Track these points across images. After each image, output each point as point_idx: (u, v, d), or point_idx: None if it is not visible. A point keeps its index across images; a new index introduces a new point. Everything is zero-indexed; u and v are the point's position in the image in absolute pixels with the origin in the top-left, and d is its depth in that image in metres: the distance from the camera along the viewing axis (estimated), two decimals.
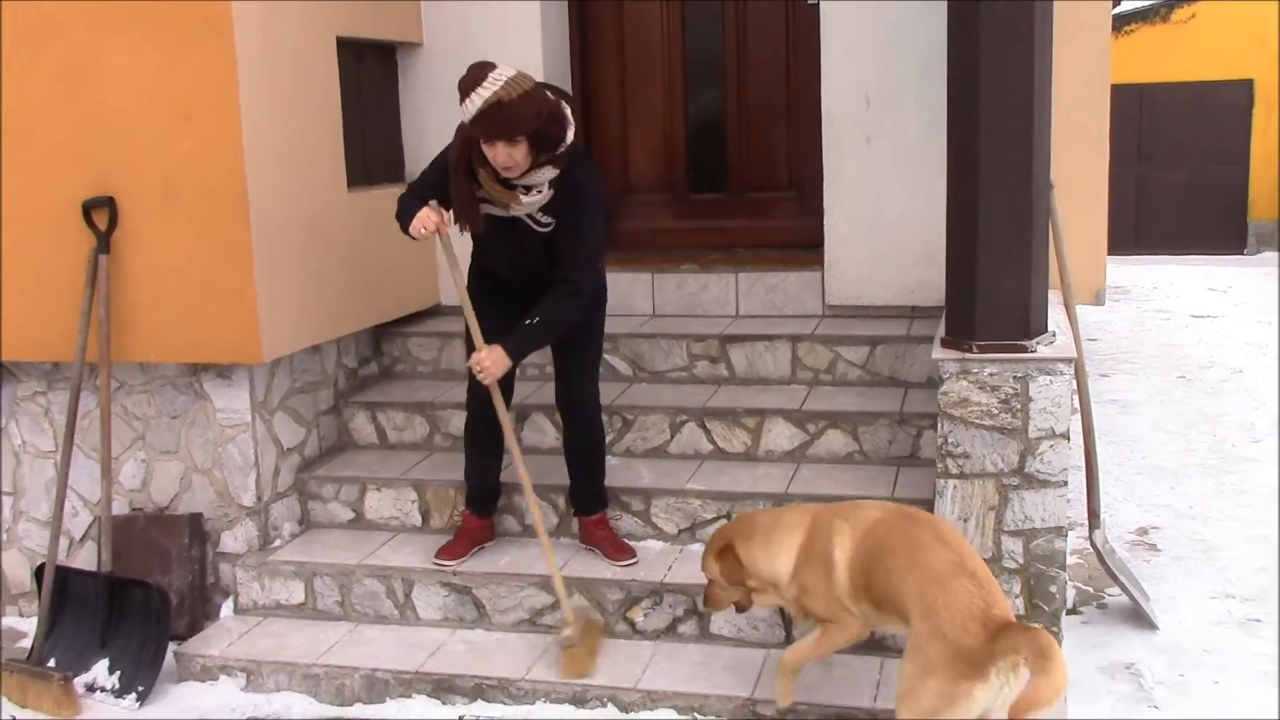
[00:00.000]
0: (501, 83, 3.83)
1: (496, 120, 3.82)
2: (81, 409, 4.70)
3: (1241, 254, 15.92)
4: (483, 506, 4.66)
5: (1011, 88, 3.88)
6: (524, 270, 4.24)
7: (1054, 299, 4.50)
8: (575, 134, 4.04)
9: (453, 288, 4.30)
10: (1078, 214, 5.09)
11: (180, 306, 4.57)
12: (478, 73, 3.86)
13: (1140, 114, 16.34)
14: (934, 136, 4.87)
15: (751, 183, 6.11)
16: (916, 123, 5.22)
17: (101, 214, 4.56)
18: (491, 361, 4.07)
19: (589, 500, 4.60)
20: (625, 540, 4.60)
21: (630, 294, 5.79)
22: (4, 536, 5.13)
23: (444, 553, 4.58)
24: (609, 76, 6.16)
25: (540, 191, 4.05)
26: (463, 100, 3.86)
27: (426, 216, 4.08)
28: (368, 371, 5.54)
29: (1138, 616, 4.67)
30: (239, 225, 4.48)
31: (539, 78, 5.59)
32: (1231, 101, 16.36)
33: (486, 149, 3.91)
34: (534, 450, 5.06)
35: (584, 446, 4.54)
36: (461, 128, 4.02)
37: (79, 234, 4.57)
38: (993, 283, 3.98)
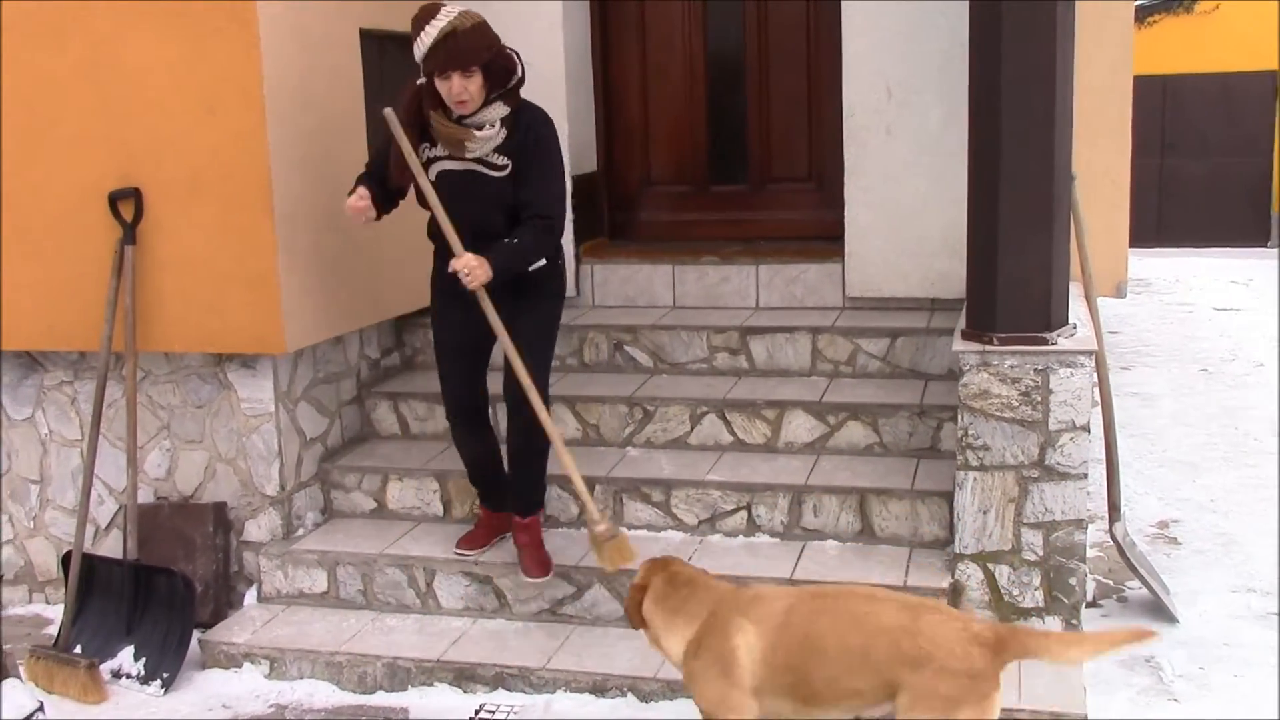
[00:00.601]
0: (454, 14, 3.92)
1: (453, 50, 3.89)
2: (108, 398, 4.74)
3: (1265, 246, 15.81)
4: (491, 500, 4.64)
5: (1033, 79, 3.89)
6: (486, 225, 4.13)
7: (1075, 291, 4.51)
8: (522, 71, 4.10)
9: None
10: (1100, 206, 5.09)
11: (205, 297, 4.61)
12: (429, 10, 3.95)
13: (1163, 105, 16.26)
14: (955, 128, 4.87)
15: (772, 175, 6.12)
16: (937, 114, 5.21)
17: (127, 205, 4.60)
18: (478, 264, 4.00)
19: (517, 500, 4.50)
20: (547, 555, 4.45)
21: (651, 286, 5.81)
22: (31, 524, 5.19)
23: (465, 542, 4.60)
24: (630, 69, 6.18)
25: (494, 127, 4.05)
26: (415, 36, 3.94)
27: (352, 206, 4.19)
28: (390, 362, 5.57)
29: (1158, 610, 4.66)
30: (263, 216, 4.52)
31: (561, 71, 5.66)
32: (1255, 93, 16.26)
33: (440, 84, 3.96)
34: None
35: (519, 445, 4.41)
36: (409, 87, 4.11)
37: (105, 225, 4.61)
38: (1014, 275, 3.98)
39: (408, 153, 4.06)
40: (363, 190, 4.20)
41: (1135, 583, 4.83)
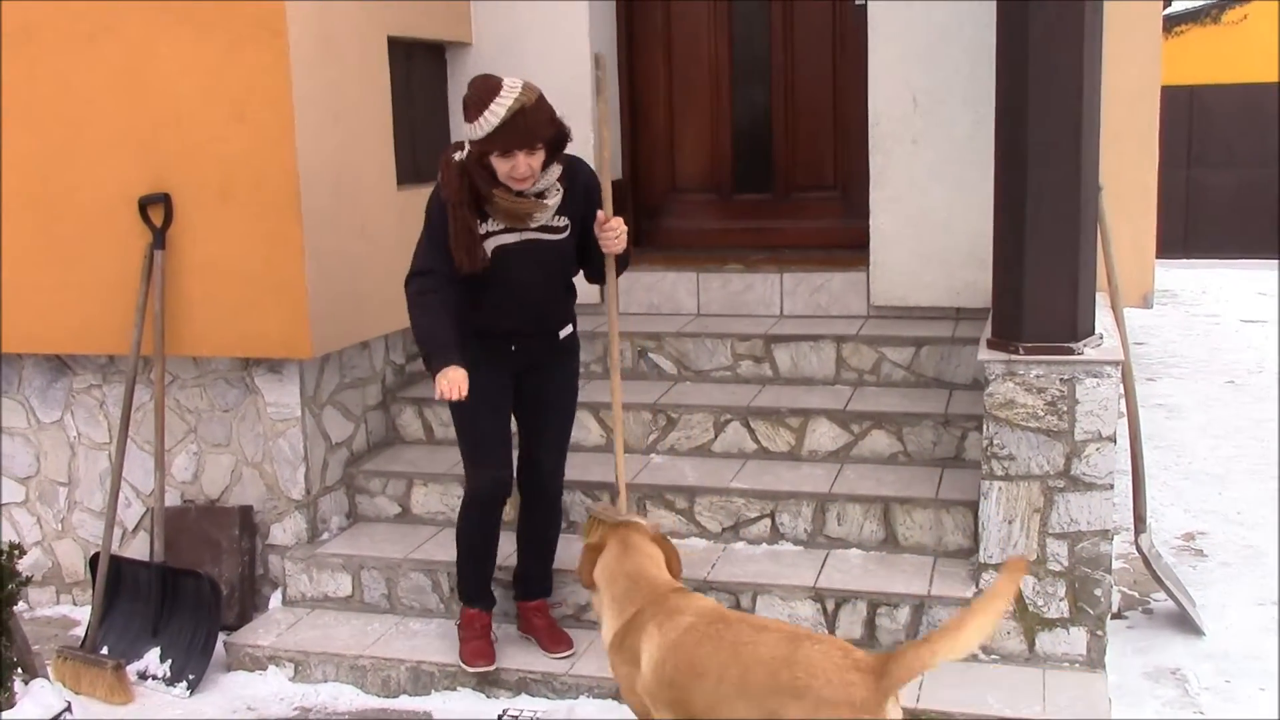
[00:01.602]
0: (519, 89, 3.70)
1: (521, 128, 3.68)
2: (135, 402, 4.78)
3: None
4: (487, 599, 4.36)
5: (1060, 88, 3.87)
6: (546, 294, 4.07)
7: (1101, 301, 4.49)
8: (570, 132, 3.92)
9: None
10: (1126, 216, 5.07)
11: (233, 302, 4.65)
12: (490, 84, 3.72)
13: (1190, 116, 16.15)
14: (981, 137, 4.86)
15: (797, 183, 6.12)
16: (964, 123, 5.20)
17: (157, 210, 4.64)
18: (618, 231, 3.94)
19: (534, 585, 4.38)
20: (564, 630, 4.35)
21: (675, 293, 5.82)
22: (59, 526, 5.23)
23: (478, 658, 4.24)
24: (656, 77, 6.19)
25: (556, 192, 3.92)
26: (476, 116, 3.69)
27: (447, 391, 3.75)
28: (415, 368, 5.60)
29: (1184, 622, 4.64)
30: (291, 222, 4.55)
31: (587, 79, 5.67)
32: None
33: (503, 163, 3.74)
34: (578, 448, 5.09)
35: (543, 528, 4.34)
36: (448, 167, 3.85)
37: (135, 230, 4.66)
38: (1040, 284, 3.97)
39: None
40: (459, 376, 3.77)
41: (1161, 595, 4.81)
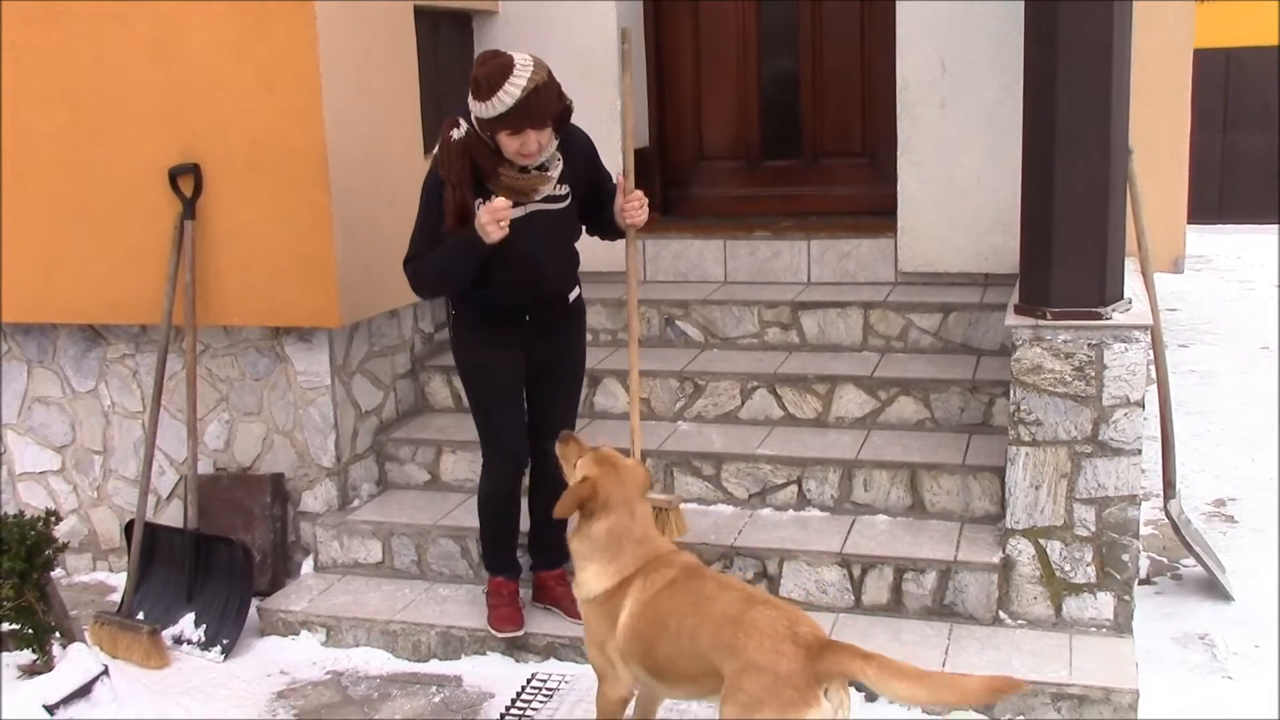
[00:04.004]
0: (531, 67, 3.65)
1: (536, 107, 3.63)
2: (167, 371, 4.83)
3: None
4: (514, 568, 4.39)
5: (1090, 51, 3.84)
6: (553, 262, 4.04)
7: (1131, 266, 4.46)
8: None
9: None
10: (1157, 180, 5.03)
11: (263, 271, 4.69)
12: (502, 62, 3.65)
13: (1226, 80, 15.92)
14: (1010, 102, 4.83)
15: (825, 149, 6.10)
16: (992, 88, 5.17)
17: (187, 181, 4.68)
18: (641, 203, 3.97)
19: (553, 552, 4.34)
20: None
21: (702, 261, 5.82)
22: (94, 494, 5.31)
23: (507, 623, 4.29)
24: (683, 43, 6.17)
25: (557, 163, 3.89)
26: (489, 96, 3.62)
27: (492, 215, 3.71)
28: (443, 336, 5.61)
29: (1212, 588, 4.62)
30: (319, 192, 4.58)
31: (614, 46, 5.66)
32: None
33: (512, 140, 3.69)
34: (606, 415, 5.12)
35: (555, 496, 4.13)
36: (447, 147, 3.80)
37: (166, 200, 4.70)
38: (1068, 249, 3.95)
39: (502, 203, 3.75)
40: (490, 207, 3.75)
41: (1190, 560, 4.79)
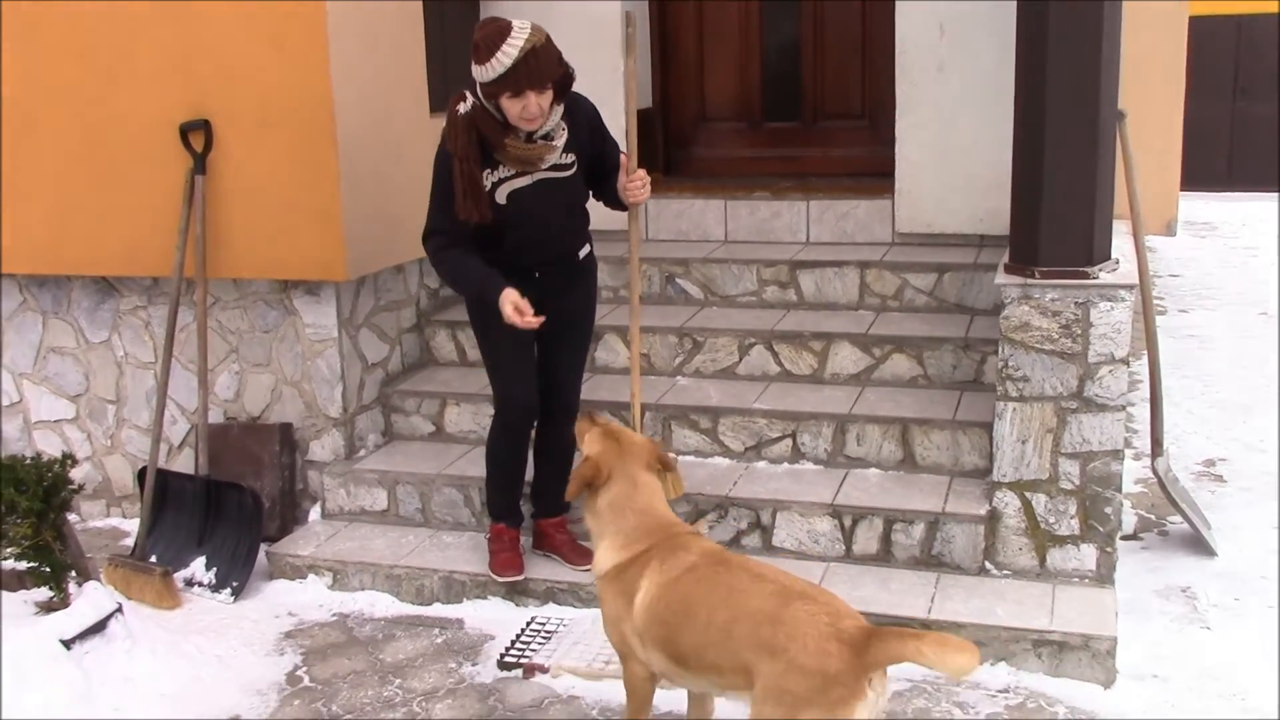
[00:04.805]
0: (528, 30, 3.75)
1: (534, 68, 3.73)
2: (179, 323, 4.96)
3: None
4: (516, 515, 4.52)
5: (1080, 14, 3.91)
6: (562, 226, 4.17)
7: (1123, 228, 4.55)
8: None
9: None
10: (1151, 144, 5.10)
11: (271, 225, 4.80)
12: (499, 25, 3.76)
13: (1237, 47, 15.87)
14: (1007, 66, 4.84)
15: (825, 111, 6.17)
16: (989, 52, 5.23)
17: (198, 136, 4.79)
18: (643, 183, 4.07)
19: (554, 501, 4.48)
20: (585, 545, 4.42)
21: (703, 220, 5.91)
22: (108, 442, 5.44)
23: (508, 568, 4.42)
24: (686, 6, 6.24)
25: (562, 132, 3.99)
26: (487, 58, 3.72)
27: (516, 318, 3.90)
28: (448, 292, 5.72)
29: (1197, 544, 4.73)
30: (327, 148, 4.68)
31: (617, 8, 5.73)
32: None
33: (514, 104, 3.79)
34: (607, 369, 5.23)
35: (563, 447, 4.41)
36: (453, 122, 3.90)
37: (177, 155, 4.81)
38: (1056, 209, 4.04)
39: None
40: (516, 295, 3.92)
41: (1177, 518, 4.90)
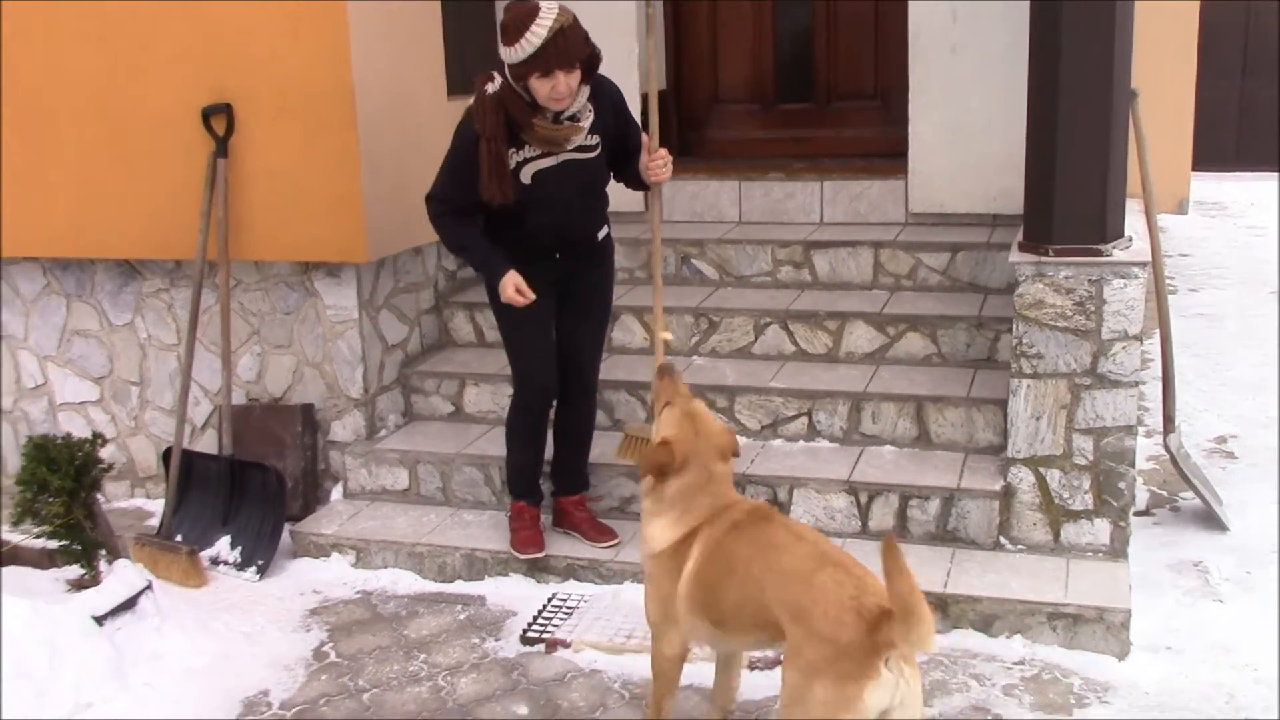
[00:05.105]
0: (556, 11, 3.81)
1: (564, 48, 3.79)
2: (202, 305, 5.01)
3: None
4: (536, 494, 4.58)
5: None
6: (583, 206, 4.22)
7: (1135, 206, 4.59)
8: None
9: None
10: (1163, 124, 5.14)
11: (293, 208, 4.86)
12: (528, 8, 3.81)
13: (1246, 27, 15.85)
14: (1019, 48, 4.88)
15: (838, 93, 6.22)
16: (1002, 34, 5.26)
17: (220, 120, 4.84)
18: (665, 162, 4.13)
19: (574, 479, 4.58)
20: (605, 522, 4.57)
21: (717, 201, 5.96)
22: (132, 423, 5.51)
23: (530, 545, 4.48)
24: None
25: (588, 113, 4.06)
26: (516, 39, 3.78)
27: (516, 298, 4.05)
28: (466, 274, 5.79)
29: (1209, 519, 4.79)
30: (347, 132, 4.74)
31: None
32: None
33: (543, 84, 3.84)
34: (624, 350, 5.29)
35: (582, 426, 4.55)
36: (482, 101, 3.94)
37: (199, 139, 4.86)
38: (1070, 187, 4.08)
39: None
40: (518, 278, 4.06)
41: (1189, 494, 4.95)
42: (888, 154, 5.87)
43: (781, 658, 2.97)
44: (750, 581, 3.04)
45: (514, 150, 4.02)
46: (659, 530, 3.33)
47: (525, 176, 4.06)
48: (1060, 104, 4.03)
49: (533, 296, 4.05)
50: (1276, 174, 13.69)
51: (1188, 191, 5.44)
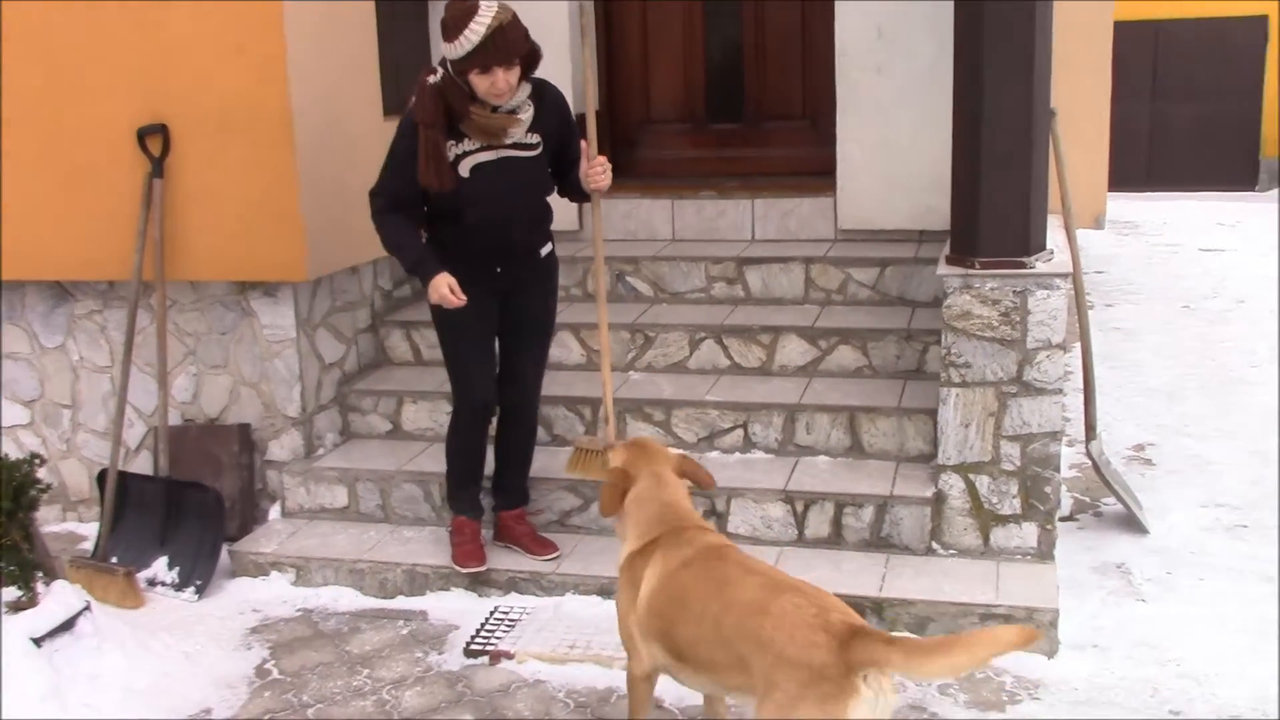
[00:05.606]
0: (495, 8, 3.90)
1: (502, 45, 3.89)
2: (137, 326, 4.97)
3: (1253, 190, 16.02)
4: (477, 508, 4.61)
5: (1014, 17, 4.10)
6: (524, 212, 4.26)
7: (1055, 221, 4.74)
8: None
9: None
10: (1080, 141, 5.32)
11: (230, 228, 4.86)
12: (468, 5, 3.90)
13: (1155, 50, 16.38)
14: (944, 66, 5.04)
15: (767, 113, 6.34)
16: (926, 53, 5.42)
17: (155, 140, 4.83)
18: (604, 169, 4.19)
19: (514, 494, 4.64)
20: (545, 536, 4.63)
21: (651, 220, 6.06)
22: (64, 446, 5.45)
23: (470, 559, 4.51)
24: (631, 9, 6.38)
25: (528, 108, 4.14)
26: (456, 36, 3.88)
27: (449, 297, 4.08)
28: (402, 293, 5.82)
29: (1131, 523, 4.94)
30: (285, 152, 4.76)
31: (564, 11, 5.86)
32: (1246, 38, 16.39)
33: (482, 80, 3.94)
34: (561, 366, 5.34)
35: (523, 442, 4.60)
36: (423, 90, 4.02)
37: (135, 160, 4.85)
38: (994, 202, 4.22)
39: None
40: (450, 279, 4.08)
41: (1110, 499, 5.11)
42: (817, 172, 6.01)
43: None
44: (706, 622, 3.01)
45: (453, 143, 4.09)
46: (625, 545, 3.39)
47: (464, 169, 4.12)
48: (984, 122, 4.18)
49: (464, 299, 4.08)
50: (1186, 194, 14.17)
51: (1104, 208, 5.63)
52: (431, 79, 4.06)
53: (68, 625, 3.94)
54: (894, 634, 2.78)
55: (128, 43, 4.81)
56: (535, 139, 4.20)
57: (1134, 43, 14.86)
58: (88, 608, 4.05)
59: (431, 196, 4.13)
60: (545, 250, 4.41)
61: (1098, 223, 5.62)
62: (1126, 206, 12.56)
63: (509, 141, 4.14)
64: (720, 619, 2.97)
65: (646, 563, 3.26)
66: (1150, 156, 16.39)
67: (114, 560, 4.78)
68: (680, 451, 3.65)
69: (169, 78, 4.80)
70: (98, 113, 4.89)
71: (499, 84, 3.97)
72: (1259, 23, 16.37)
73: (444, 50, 3.98)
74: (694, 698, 3.59)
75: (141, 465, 5.23)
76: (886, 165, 5.63)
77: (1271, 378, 6.76)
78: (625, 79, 6.44)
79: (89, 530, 5.21)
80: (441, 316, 4.32)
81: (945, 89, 4.67)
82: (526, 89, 4.11)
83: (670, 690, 3.54)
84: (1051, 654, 3.99)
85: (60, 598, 4.01)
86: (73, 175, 4.98)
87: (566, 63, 5.79)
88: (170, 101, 4.81)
